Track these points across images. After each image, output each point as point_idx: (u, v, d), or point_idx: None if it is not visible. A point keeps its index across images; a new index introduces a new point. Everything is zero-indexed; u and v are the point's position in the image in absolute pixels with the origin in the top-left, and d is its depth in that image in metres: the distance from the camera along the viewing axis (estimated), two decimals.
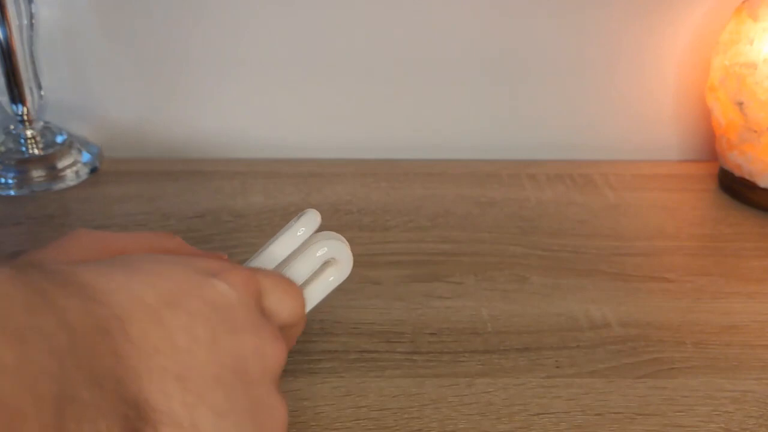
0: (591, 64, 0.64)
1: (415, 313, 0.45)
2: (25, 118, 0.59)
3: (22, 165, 0.58)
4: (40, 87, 0.59)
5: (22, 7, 0.55)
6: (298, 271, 0.35)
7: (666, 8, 0.62)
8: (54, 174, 0.59)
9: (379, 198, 0.58)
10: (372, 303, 0.46)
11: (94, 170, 0.61)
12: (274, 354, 0.29)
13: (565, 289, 0.48)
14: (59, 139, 0.61)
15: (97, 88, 0.63)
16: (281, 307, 0.31)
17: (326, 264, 0.36)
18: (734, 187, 0.59)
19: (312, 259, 0.36)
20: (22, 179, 0.58)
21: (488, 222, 0.55)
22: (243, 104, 0.64)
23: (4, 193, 0.57)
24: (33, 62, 0.58)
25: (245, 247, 0.51)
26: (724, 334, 0.44)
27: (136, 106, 0.64)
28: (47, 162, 0.59)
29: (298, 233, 0.36)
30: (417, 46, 0.63)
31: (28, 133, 0.59)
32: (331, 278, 0.36)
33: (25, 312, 0.22)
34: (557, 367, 0.41)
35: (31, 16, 0.56)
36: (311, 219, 0.37)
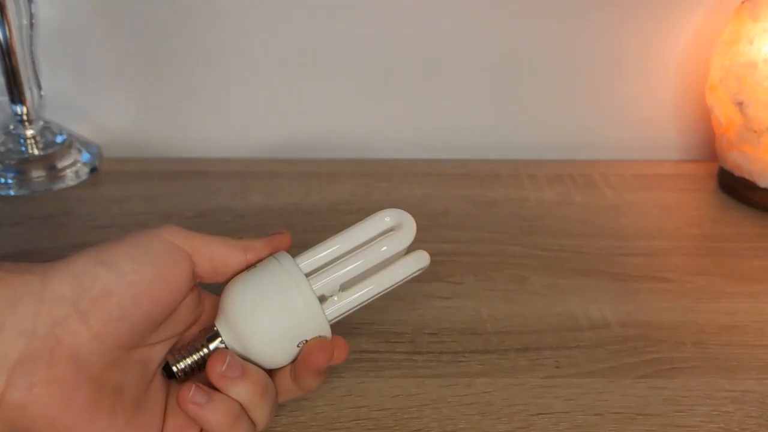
0: (591, 64, 0.64)
1: (415, 313, 0.45)
2: (25, 118, 0.59)
3: (22, 165, 0.58)
4: (39, 87, 0.59)
5: (22, 7, 0.55)
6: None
7: (666, 9, 0.62)
8: (54, 174, 0.59)
9: (379, 198, 0.58)
10: (372, 303, 0.45)
11: (93, 170, 0.61)
12: None
13: (565, 289, 0.48)
14: (59, 139, 0.61)
15: (97, 88, 0.63)
16: None
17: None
18: (734, 187, 0.59)
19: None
20: (22, 179, 0.58)
21: (488, 222, 0.55)
22: (243, 104, 0.64)
23: (4, 193, 0.57)
24: (33, 62, 0.58)
25: None
26: (724, 334, 0.44)
27: (136, 106, 0.64)
28: (47, 162, 0.59)
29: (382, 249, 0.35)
30: (417, 47, 0.63)
31: (28, 133, 0.59)
32: (384, 248, 0.35)
33: None
34: (557, 367, 0.41)
35: (31, 16, 0.56)
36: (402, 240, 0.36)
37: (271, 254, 0.35)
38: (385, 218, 0.36)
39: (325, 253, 0.35)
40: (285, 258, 0.34)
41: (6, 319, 0.28)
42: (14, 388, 0.28)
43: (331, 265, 0.35)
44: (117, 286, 0.30)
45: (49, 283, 0.29)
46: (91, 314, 0.29)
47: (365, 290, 0.35)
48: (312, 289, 0.34)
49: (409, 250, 0.36)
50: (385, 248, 0.35)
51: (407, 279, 0.36)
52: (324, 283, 0.34)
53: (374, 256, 0.35)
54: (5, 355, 0.28)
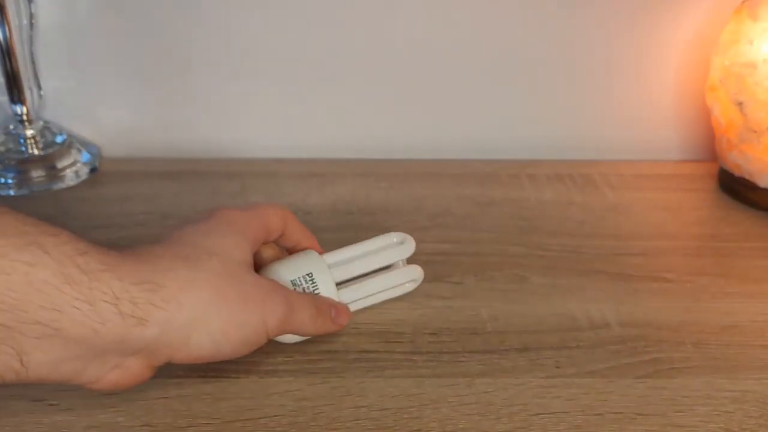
0: (591, 64, 0.64)
1: (415, 313, 0.45)
2: (25, 118, 0.59)
3: (22, 165, 0.58)
4: (39, 87, 0.59)
5: (22, 7, 0.55)
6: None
7: (666, 8, 0.62)
8: (54, 174, 0.59)
9: (379, 198, 0.58)
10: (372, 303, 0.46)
11: (93, 170, 0.61)
12: None
13: (565, 289, 0.48)
14: (59, 139, 0.61)
15: (97, 88, 0.63)
16: None
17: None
18: (734, 187, 0.59)
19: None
20: (22, 179, 0.58)
21: (488, 222, 0.55)
22: (243, 104, 0.64)
23: (3, 193, 0.57)
24: (33, 62, 0.58)
25: None
26: (724, 334, 0.44)
27: (136, 106, 0.64)
28: (47, 162, 0.59)
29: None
30: (417, 47, 0.63)
31: (28, 133, 0.59)
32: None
33: None
34: (557, 367, 0.41)
35: (31, 16, 0.56)
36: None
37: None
38: (393, 238, 0.44)
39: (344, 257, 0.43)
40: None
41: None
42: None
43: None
44: (207, 351, 0.35)
45: (153, 338, 0.33)
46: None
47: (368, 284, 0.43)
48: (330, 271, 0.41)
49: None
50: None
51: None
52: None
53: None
54: None
